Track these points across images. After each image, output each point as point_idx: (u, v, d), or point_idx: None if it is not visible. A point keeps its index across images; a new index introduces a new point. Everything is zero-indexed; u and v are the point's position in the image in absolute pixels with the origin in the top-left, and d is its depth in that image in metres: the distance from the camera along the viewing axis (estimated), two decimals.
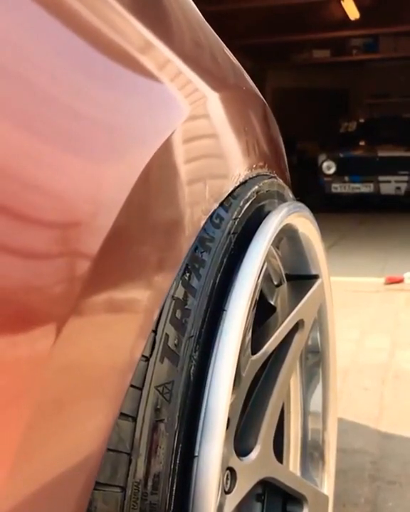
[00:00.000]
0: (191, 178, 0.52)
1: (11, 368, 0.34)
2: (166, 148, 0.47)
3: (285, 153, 0.87)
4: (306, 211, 0.76)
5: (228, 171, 0.60)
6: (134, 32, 0.50)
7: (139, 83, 0.48)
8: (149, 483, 0.48)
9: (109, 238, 0.39)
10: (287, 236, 0.76)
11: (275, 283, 0.77)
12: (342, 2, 8.48)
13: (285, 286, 0.78)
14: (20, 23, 0.37)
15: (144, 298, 0.46)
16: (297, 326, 0.74)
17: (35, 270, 0.34)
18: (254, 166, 0.67)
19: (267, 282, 0.74)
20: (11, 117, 0.34)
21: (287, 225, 0.70)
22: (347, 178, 8.17)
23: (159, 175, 0.46)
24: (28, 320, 0.34)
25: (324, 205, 7.55)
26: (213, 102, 0.58)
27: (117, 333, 0.44)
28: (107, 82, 0.44)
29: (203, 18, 0.70)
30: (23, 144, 0.34)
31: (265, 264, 0.62)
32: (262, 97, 0.80)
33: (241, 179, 0.63)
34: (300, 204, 0.76)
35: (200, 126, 0.55)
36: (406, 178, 8.02)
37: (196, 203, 0.52)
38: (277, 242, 0.75)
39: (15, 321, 0.33)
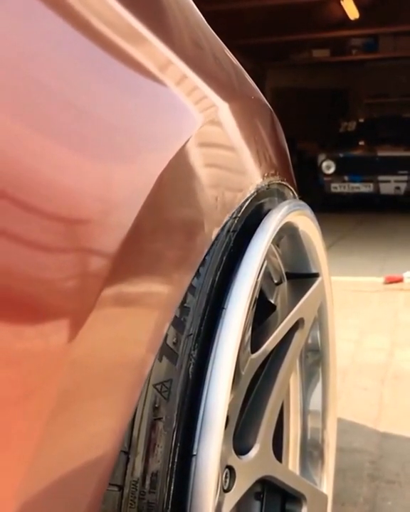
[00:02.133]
0: (205, 187, 0.52)
1: (33, 363, 0.34)
2: (181, 156, 0.47)
3: (290, 159, 0.88)
4: (307, 209, 0.76)
5: (241, 180, 0.61)
6: (149, 43, 0.50)
7: (156, 93, 0.49)
8: (147, 482, 0.48)
9: (129, 238, 0.40)
10: (288, 234, 0.76)
11: (275, 281, 0.77)
12: (341, 2, 8.49)
13: (285, 284, 0.77)
14: (45, 37, 0.38)
15: (160, 302, 0.47)
16: (297, 325, 0.74)
17: (56, 267, 0.35)
18: (266, 174, 0.68)
19: (267, 280, 0.74)
20: (42, 126, 0.36)
21: (287, 223, 0.70)
22: (346, 178, 8.16)
23: (173, 182, 0.47)
24: (51, 316, 0.35)
25: (324, 205, 7.55)
26: (225, 112, 0.59)
27: (136, 333, 0.44)
28: (128, 91, 0.45)
29: (207, 24, 0.71)
30: (53, 149, 0.36)
31: (265, 262, 0.62)
32: (269, 105, 0.81)
33: (254, 189, 0.64)
34: (301, 202, 0.76)
35: (212, 136, 0.55)
36: (405, 177, 8.01)
37: (209, 212, 0.53)
38: (277, 240, 0.75)
39: (37, 317, 0.34)
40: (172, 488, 0.49)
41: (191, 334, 0.52)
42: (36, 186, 0.34)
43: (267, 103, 0.80)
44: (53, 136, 0.36)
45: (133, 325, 0.43)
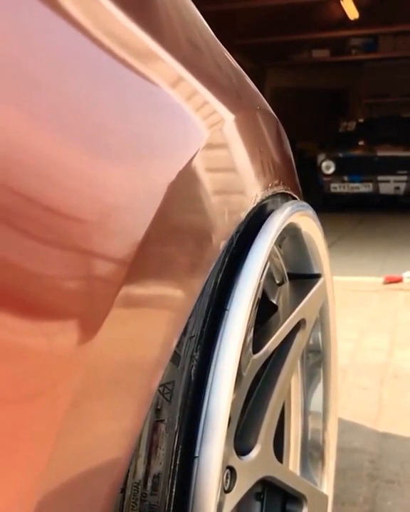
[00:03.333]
0: (212, 198, 0.53)
1: (51, 365, 0.35)
2: (189, 169, 0.48)
3: (295, 167, 0.89)
4: (309, 210, 0.76)
5: (245, 191, 0.61)
6: (160, 56, 0.51)
7: (166, 105, 0.50)
8: (149, 484, 0.48)
9: (143, 245, 0.41)
10: (290, 235, 0.76)
11: (277, 282, 0.77)
12: (341, 2, 8.48)
13: (287, 285, 0.77)
14: (68, 57, 0.40)
15: (173, 307, 0.48)
16: (299, 325, 0.74)
17: (73, 273, 0.36)
18: (270, 184, 0.68)
19: (269, 281, 0.74)
20: (65, 138, 0.37)
21: (290, 224, 0.70)
22: (346, 178, 8.17)
23: (182, 193, 0.48)
24: (68, 320, 0.36)
25: (323, 205, 7.55)
26: (231, 124, 0.59)
27: (150, 337, 0.45)
28: (139, 104, 0.46)
29: (213, 34, 0.71)
30: (74, 161, 0.37)
31: (268, 263, 0.62)
32: (274, 113, 0.81)
33: (258, 200, 0.64)
34: (303, 203, 0.76)
35: (218, 150, 0.56)
36: (404, 177, 8.02)
37: (216, 226, 0.54)
38: (279, 241, 0.75)
39: (55, 321, 0.35)
40: (174, 490, 0.49)
41: (194, 336, 0.52)
42: (58, 196, 0.36)
43: (273, 112, 0.80)
44: (74, 152, 0.38)
45: (147, 329, 0.44)
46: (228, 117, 0.59)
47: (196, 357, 0.52)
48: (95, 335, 0.37)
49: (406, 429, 1.69)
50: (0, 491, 0.33)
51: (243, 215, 0.60)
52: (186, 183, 0.48)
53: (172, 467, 0.49)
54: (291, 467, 0.87)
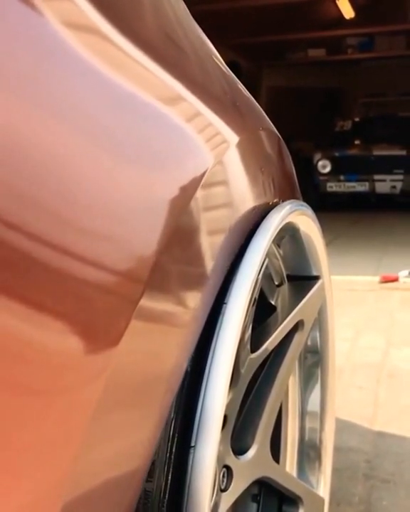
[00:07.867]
0: (215, 221, 0.55)
1: (75, 374, 0.36)
2: (198, 191, 0.50)
3: (297, 181, 0.90)
4: (308, 210, 0.76)
5: (247, 213, 0.62)
6: (168, 84, 0.52)
7: (181, 130, 0.51)
8: None
9: (157, 262, 0.43)
10: (289, 235, 0.76)
11: (276, 283, 0.77)
12: (337, 1, 8.49)
13: (285, 286, 0.78)
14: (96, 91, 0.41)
15: (189, 317, 0.49)
16: (297, 326, 0.74)
17: (97, 286, 0.38)
18: (270, 203, 0.69)
19: (268, 282, 0.74)
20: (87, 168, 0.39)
21: (288, 223, 0.70)
22: (342, 177, 8.16)
23: (191, 215, 0.50)
24: (92, 330, 0.37)
25: (320, 204, 7.55)
26: (236, 147, 0.61)
27: (168, 346, 0.46)
28: (159, 129, 0.47)
29: (219, 55, 0.72)
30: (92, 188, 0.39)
31: (266, 261, 0.63)
32: (277, 132, 0.82)
33: (258, 220, 0.65)
34: (302, 203, 0.77)
35: (222, 174, 0.57)
36: (401, 176, 8.02)
37: (219, 245, 0.55)
38: (278, 241, 0.75)
39: (79, 331, 0.36)
40: (170, 477, 0.50)
41: None
42: (93, 220, 0.38)
43: (275, 130, 0.81)
44: (98, 176, 0.39)
45: (164, 341, 0.46)
46: (233, 140, 0.60)
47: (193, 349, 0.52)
48: (116, 346, 0.38)
49: (402, 428, 1.69)
50: (27, 495, 0.34)
51: (243, 235, 0.61)
52: (194, 205, 0.49)
53: (168, 455, 0.50)
54: (288, 468, 0.87)
